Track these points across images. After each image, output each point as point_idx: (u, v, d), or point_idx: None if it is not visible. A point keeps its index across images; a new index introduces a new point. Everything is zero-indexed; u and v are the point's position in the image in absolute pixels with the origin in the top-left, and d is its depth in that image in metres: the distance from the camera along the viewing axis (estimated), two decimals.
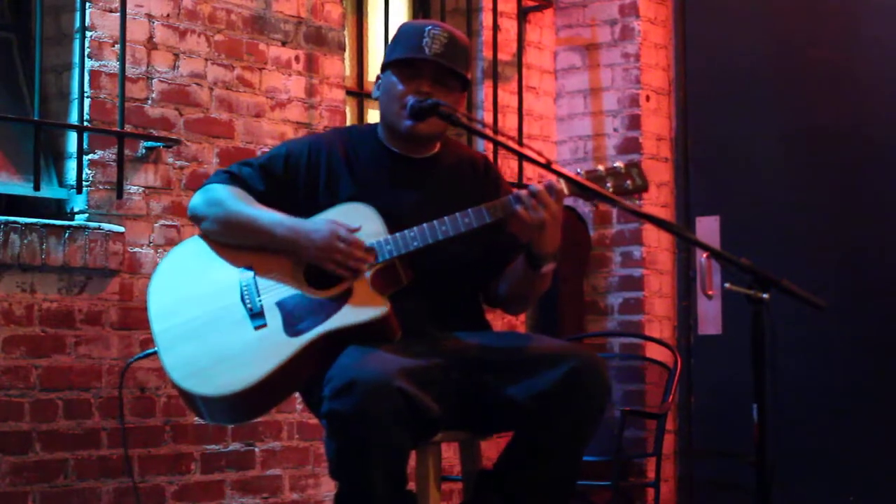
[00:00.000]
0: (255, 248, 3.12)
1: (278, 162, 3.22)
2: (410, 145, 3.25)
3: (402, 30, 3.26)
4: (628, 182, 3.08)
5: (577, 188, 3.00)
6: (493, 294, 3.28)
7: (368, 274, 3.05)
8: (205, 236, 3.19)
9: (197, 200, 3.19)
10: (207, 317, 3.06)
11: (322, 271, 3.07)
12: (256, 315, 3.04)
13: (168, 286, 3.14)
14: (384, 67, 3.24)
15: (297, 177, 3.21)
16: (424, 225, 3.05)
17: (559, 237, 3.08)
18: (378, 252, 3.05)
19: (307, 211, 3.16)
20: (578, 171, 3.10)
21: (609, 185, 3.07)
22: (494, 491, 3.15)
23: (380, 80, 3.26)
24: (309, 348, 3.00)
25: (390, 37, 5.00)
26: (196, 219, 3.20)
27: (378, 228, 3.09)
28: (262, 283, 3.08)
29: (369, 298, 3.02)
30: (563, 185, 3.02)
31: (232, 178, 3.18)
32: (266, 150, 4.35)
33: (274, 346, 3.00)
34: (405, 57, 3.16)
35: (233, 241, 3.14)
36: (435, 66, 3.15)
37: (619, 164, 3.10)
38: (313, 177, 3.21)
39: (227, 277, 3.10)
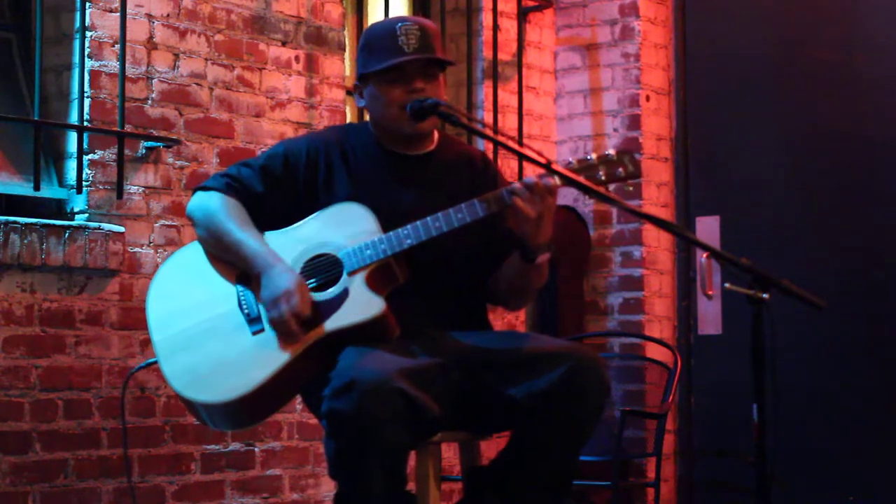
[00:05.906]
0: None
1: (277, 162, 3.22)
2: (407, 142, 3.24)
3: (372, 34, 3.20)
4: (620, 170, 3.05)
5: (578, 188, 3.00)
6: (492, 290, 3.27)
7: (365, 273, 3.05)
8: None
9: (193, 204, 3.20)
10: (206, 324, 3.06)
11: (317, 273, 3.07)
12: (254, 320, 3.04)
13: (166, 295, 3.14)
14: (365, 77, 3.19)
15: (296, 176, 3.20)
16: (418, 222, 3.04)
17: (551, 228, 3.08)
18: (373, 251, 3.05)
19: (306, 209, 3.16)
20: (570, 160, 3.08)
21: (601, 173, 3.04)
22: (491, 489, 3.15)
23: (360, 89, 3.22)
24: (308, 351, 3.00)
25: None
26: (192, 221, 3.21)
27: (372, 227, 3.08)
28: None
29: (366, 298, 3.02)
30: (556, 178, 3.01)
31: (230, 184, 3.17)
32: (266, 150, 4.35)
33: (273, 351, 3.00)
34: (389, 64, 3.12)
35: (218, 254, 3.14)
36: (419, 62, 3.12)
37: (610, 151, 3.07)
38: (312, 176, 3.20)
39: (225, 284, 3.11)
